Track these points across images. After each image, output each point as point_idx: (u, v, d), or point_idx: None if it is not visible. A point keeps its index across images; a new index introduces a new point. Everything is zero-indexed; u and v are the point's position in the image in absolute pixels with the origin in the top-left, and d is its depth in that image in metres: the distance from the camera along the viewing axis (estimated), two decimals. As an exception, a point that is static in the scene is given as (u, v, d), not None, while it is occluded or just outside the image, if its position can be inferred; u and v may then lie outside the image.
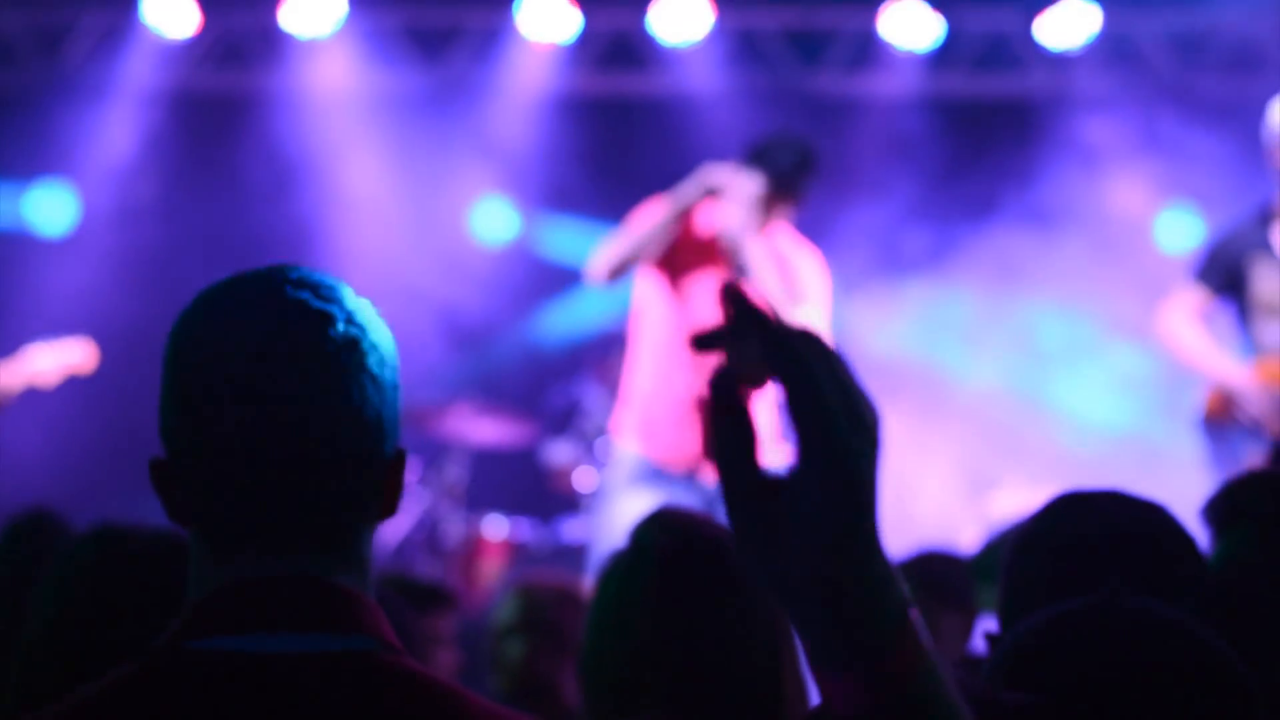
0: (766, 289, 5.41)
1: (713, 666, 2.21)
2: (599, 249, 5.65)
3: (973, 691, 1.38)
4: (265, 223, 7.87)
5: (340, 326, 1.59)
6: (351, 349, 1.59)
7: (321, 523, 1.58)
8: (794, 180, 5.58)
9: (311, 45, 7.84)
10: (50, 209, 8.22)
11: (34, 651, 2.33)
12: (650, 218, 5.56)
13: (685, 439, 5.53)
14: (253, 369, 1.56)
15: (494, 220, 8.36)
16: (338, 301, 1.61)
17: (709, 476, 5.45)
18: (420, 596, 3.80)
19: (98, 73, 7.89)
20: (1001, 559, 2.33)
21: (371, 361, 1.60)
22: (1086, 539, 2.26)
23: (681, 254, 5.60)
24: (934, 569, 3.52)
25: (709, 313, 5.53)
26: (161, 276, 7.88)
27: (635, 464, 5.60)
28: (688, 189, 5.55)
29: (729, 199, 5.53)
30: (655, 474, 5.54)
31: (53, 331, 6.30)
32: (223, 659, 1.52)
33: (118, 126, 8.01)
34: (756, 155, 5.58)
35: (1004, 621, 2.28)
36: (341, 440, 1.57)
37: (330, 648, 1.53)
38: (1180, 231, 8.06)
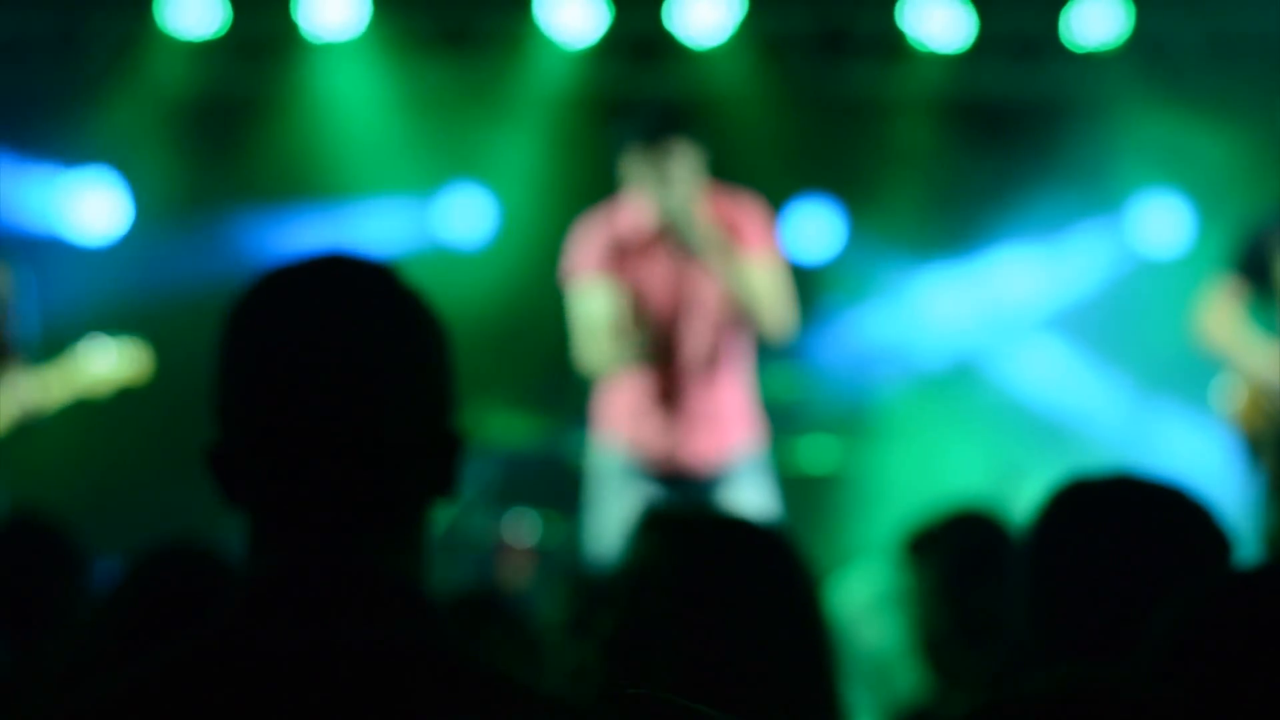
0: (717, 252, 5.36)
1: (730, 665, 2.20)
2: (586, 349, 5.54)
3: (1128, 688, 1.32)
4: (279, 228, 7.86)
5: (397, 309, 1.61)
6: (409, 331, 1.60)
7: (382, 506, 1.58)
8: (663, 127, 5.35)
9: (332, 47, 7.82)
10: (73, 212, 8.18)
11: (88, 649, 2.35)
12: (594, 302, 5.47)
13: (654, 437, 5.51)
14: (313, 351, 1.56)
15: (506, 219, 8.32)
16: (394, 284, 1.63)
17: (686, 472, 5.46)
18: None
19: (115, 73, 7.85)
20: (1021, 563, 2.26)
21: (429, 344, 1.62)
22: (1102, 533, 2.20)
23: (623, 255, 5.53)
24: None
25: (663, 303, 5.50)
26: (174, 282, 7.86)
27: (618, 461, 5.59)
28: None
29: (636, 186, 5.43)
30: (637, 471, 5.53)
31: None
32: (272, 650, 1.51)
33: (138, 126, 7.98)
34: (620, 134, 5.45)
35: (1034, 621, 2.21)
36: (402, 423, 1.58)
37: (381, 638, 1.52)
38: (1197, 229, 7.98)
